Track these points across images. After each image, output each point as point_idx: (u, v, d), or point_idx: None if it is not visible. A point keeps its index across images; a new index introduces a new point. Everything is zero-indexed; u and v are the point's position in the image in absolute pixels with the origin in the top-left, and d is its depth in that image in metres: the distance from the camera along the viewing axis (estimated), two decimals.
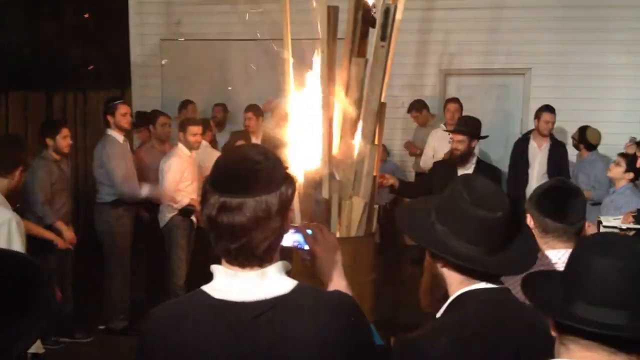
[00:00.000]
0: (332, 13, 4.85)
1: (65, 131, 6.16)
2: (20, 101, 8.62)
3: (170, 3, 9.91)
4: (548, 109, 7.34)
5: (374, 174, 4.86)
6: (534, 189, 2.88)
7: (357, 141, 4.86)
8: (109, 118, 6.37)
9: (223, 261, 1.67)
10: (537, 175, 7.27)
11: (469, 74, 9.16)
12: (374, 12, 4.87)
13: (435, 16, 8.97)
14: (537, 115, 7.39)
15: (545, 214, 2.64)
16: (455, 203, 1.92)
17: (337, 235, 4.77)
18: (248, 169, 1.61)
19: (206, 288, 1.67)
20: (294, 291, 1.65)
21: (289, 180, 1.65)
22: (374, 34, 4.83)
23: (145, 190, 6.29)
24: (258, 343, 1.59)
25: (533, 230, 2.52)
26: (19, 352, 1.45)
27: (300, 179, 4.69)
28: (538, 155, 7.31)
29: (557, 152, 7.20)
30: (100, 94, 10.15)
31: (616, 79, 8.61)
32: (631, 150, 6.91)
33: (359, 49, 4.94)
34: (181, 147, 6.40)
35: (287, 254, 1.87)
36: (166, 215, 6.38)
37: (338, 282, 1.89)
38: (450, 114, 7.80)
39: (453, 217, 1.92)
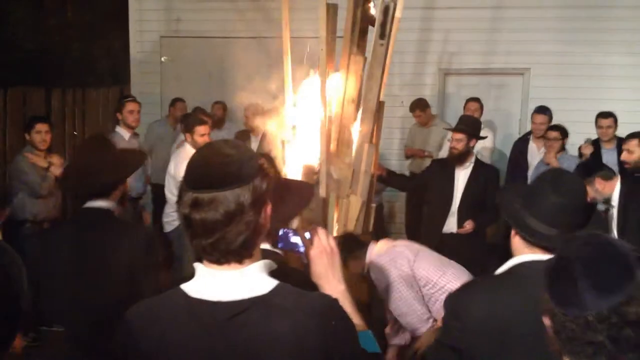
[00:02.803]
0: (331, 11, 4.85)
1: (38, 126, 6.15)
2: (20, 96, 8.60)
3: (170, 0, 9.89)
4: (539, 110, 7.31)
5: (372, 172, 4.85)
6: None
7: (355, 140, 4.86)
8: (118, 115, 6.60)
9: (204, 259, 1.64)
10: (535, 176, 7.23)
11: (469, 73, 9.14)
12: (374, 6, 4.87)
13: (434, 15, 8.95)
14: (531, 117, 7.39)
15: None
16: (537, 190, 2.39)
17: (335, 233, 4.76)
18: (218, 163, 1.58)
19: (184, 286, 1.64)
20: (273, 292, 1.60)
21: (263, 173, 1.62)
22: (373, 32, 4.82)
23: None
24: (232, 344, 1.56)
25: None
26: None
27: (298, 177, 4.68)
28: (537, 157, 7.27)
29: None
30: (99, 90, 10.15)
31: (616, 80, 8.59)
32: (587, 150, 6.90)
33: (358, 47, 4.93)
34: (188, 149, 6.20)
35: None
36: (175, 219, 6.24)
37: (335, 287, 1.83)
38: (470, 114, 7.62)
39: (534, 202, 2.37)
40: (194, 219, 1.56)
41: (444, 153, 7.36)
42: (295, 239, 1.89)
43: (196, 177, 1.58)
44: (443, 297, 3.86)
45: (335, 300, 1.69)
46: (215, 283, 1.61)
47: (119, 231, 3.01)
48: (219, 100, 8.77)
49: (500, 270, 2.37)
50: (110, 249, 2.94)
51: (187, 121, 6.45)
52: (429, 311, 4.27)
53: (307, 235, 1.88)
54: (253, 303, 1.58)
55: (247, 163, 1.60)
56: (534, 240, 2.29)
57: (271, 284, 1.62)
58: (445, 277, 4.23)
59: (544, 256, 2.22)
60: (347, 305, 1.76)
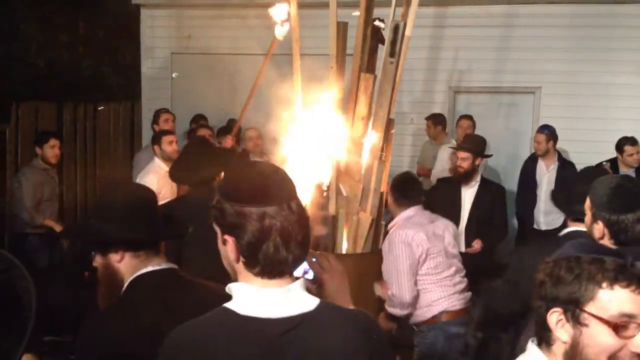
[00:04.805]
0: (342, 29, 4.87)
1: (53, 141, 6.33)
2: (32, 111, 8.66)
3: (181, 17, 9.97)
4: (540, 129, 7.30)
5: (381, 190, 4.84)
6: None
7: (365, 157, 4.85)
8: (155, 127, 6.76)
9: (245, 277, 1.65)
10: (544, 196, 7.20)
11: (479, 91, 9.14)
12: (383, 29, 4.89)
13: (445, 33, 8.98)
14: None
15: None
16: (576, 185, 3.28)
17: (344, 251, 4.75)
18: (279, 179, 1.67)
19: (230, 305, 1.64)
20: (318, 308, 1.65)
21: None
22: (383, 50, 4.84)
23: None
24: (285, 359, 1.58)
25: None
26: None
27: (307, 195, 4.67)
28: (545, 176, 7.24)
29: (565, 173, 7.13)
30: (110, 106, 10.21)
31: (626, 99, 8.57)
32: None
33: (368, 65, 4.94)
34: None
35: None
36: None
37: None
38: (462, 131, 7.67)
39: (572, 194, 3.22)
40: (268, 226, 1.60)
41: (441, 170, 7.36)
42: (302, 264, 1.90)
43: (259, 190, 1.63)
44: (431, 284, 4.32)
45: (373, 316, 1.80)
46: (262, 300, 1.62)
47: None
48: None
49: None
50: None
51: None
52: (415, 302, 4.34)
53: (314, 260, 1.91)
54: (303, 319, 1.61)
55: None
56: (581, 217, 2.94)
57: (315, 300, 1.67)
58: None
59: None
60: None
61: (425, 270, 4.34)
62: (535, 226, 7.26)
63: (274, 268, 1.62)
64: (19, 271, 1.46)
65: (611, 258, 1.65)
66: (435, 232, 4.42)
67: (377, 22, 4.89)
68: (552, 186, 7.16)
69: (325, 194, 4.71)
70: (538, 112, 8.95)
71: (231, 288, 1.66)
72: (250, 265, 1.63)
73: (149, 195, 2.30)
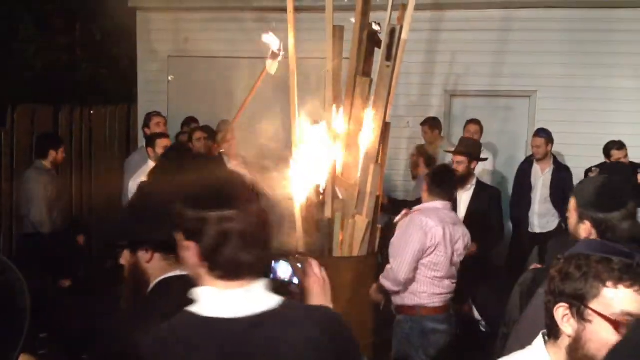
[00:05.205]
0: (338, 33, 4.89)
1: (63, 147, 6.72)
2: (28, 114, 8.65)
3: (177, 20, 9.97)
4: (538, 132, 7.32)
5: (377, 193, 4.85)
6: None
7: (361, 160, 4.86)
8: (146, 130, 6.73)
9: (207, 280, 1.69)
10: (539, 198, 7.23)
11: (475, 95, 9.15)
12: (380, 32, 4.90)
13: (441, 37, 8.99)
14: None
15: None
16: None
17: (339, 254, 4.76)
18: (232, 184, 1.73)
19: (192, 308, 1.68)
20: (281, 306, 1.69)
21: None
22: (379, 53, 4.85)
23: None
24: (250, 357, 1.62)
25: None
26: None
27: (303, 198, 4.69)
28: (540, 179, 7.27)
29: (560, 176, 7.16)
30: (107, 109, 10.20)
31: (622, 103, 8.59)
32: None
33: (364, 68, 4.96)
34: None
35: None
36: None
37: None
38: (470, 135, 7.61)
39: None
40: (228, 230, 1.64)
41: None
42: (287, 269, 1.93)
43: (217, 195, 1.69)
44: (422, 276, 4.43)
45: (339, 314, 1.81)
46: (225, 301, 1.67)
47: None
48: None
49: None
50: None
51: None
52: (408, 284, 4.46)
53: (299, 265, 1.96)
54: (267, 317, 1.65)
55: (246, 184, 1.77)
56: None
57: (278, 299, 1.71)
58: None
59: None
60: None
61: (425, 261, 4.46)
62: (529, 229, 7.29)
63: (235, 270, 1.67)
64: (15, 274, 1.48)
65: (619, 258, 1.71)
66: (452, 236, 4.53)
67: (373, 26, 4.91)
68: (547, 189, 7.20)
69: (321, 197, 4.73)
70: (534, 115, 8.96)
71: (194, 293, 1.70)
72: (211, 269, 1.68)
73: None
